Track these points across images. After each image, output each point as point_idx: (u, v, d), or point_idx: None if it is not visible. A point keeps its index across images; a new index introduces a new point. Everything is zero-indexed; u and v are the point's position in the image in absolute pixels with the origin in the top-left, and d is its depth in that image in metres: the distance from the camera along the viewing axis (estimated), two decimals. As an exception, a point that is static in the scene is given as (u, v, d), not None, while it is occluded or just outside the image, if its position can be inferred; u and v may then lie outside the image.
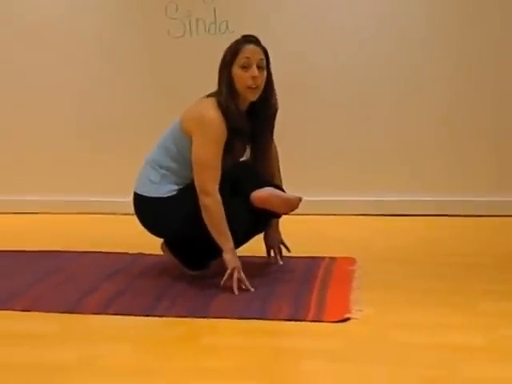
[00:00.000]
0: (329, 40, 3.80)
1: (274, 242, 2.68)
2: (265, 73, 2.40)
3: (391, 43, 3.76)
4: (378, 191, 3.82)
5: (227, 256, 2.31)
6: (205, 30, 3.87)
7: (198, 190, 2.32)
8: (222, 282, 2.31)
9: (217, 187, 2.32)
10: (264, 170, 2.56)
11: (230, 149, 2.38)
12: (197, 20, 3.88)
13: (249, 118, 2.45)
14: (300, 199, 2.39)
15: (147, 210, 2.48)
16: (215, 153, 2.33)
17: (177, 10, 3.90)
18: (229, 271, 2.29)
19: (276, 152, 2.67)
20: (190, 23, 3.89)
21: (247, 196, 2.38)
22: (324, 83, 3.84)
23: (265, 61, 2.40)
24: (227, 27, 3.82)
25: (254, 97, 2.39)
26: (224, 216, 2.30)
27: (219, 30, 3.84)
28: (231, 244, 2.32)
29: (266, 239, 2.69)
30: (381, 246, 3.07)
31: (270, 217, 2.50)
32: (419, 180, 3.81)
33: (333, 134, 3.86)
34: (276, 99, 2.48)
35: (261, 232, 2.62)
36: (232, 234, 2.34)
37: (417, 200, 3.78)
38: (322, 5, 3.78)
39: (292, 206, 2.39)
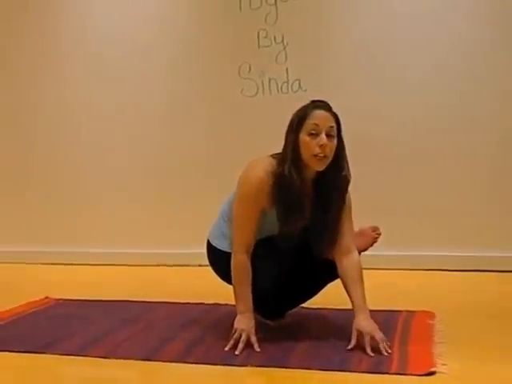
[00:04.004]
0: (404, 97, 3.86)
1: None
2: (335, 141, 2.20)
3: (461, 106, 3.79)
4: (453, 246, 3.76)
5: (237, 317, 2.28)
6: (277, 90, 3.98)
7: None
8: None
9: (241, 248, 2.26)
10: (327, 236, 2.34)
11: (282, 217, 2.25)
12: (269, 79, 4.00)
13: (315, 187, 2.29)
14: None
15: (220, 261, 2.46)
16: (244, 214, 2.26)
17: (250, 70, 4.03)
18: (233, 331, 2.26)
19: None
20: (262, 83, 4.01)
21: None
22: (395, 139, 3.87)
23: (335, 128, 2.21)
24: (300, 86, 3.91)
25: (320, 167, 2.20)
26: (243, 279, 2.26)
27: (292, 88, 3.94)
28: (243, 308, 2.27)
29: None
30: (459, 301, 3.00)
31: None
32: (495, 235, 3.73)
33: (409, 189, 3.86)
34: (349, 170, 2.28)
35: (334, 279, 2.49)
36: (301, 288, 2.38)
37: (493, 256, 3.69)
38: (396, 60, 3.86)
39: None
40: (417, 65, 3.83)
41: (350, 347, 2.17)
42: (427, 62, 3.81)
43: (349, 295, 2.28)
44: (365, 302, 2.25)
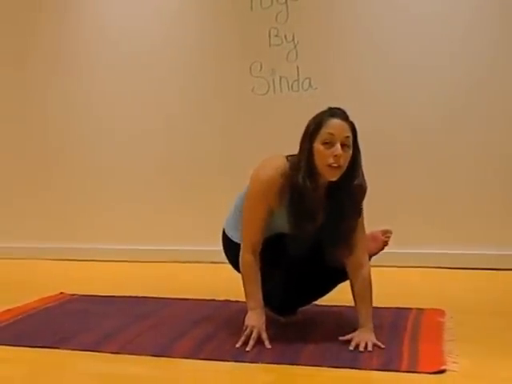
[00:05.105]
0: (414, 96, 3.86)
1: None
2: (350, 151, 2.16)
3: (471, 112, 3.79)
4: (462, 244, 3.77)
5: (247, 314, 2.30)
6: (288, 88, 3.99)
7: None
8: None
9: (248, 248, 2.28)
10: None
11: (293, 222, 2.24)
12: (280, 78, 4.01)
13: (329, 193, 2.26)
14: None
15: (233, 251, 2.46)
16: (252, 211, 2.27)
17: (261, 68, 4.05)
18: (244, 327, 2.27)
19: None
20: (273, 81, 4.03)
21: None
22: (404, 138, 3.89)
23: (351, 138, 2.16)
24: (310, 84, 3.93)
25: (333, 177, 2.16)
26: (251, 278, 2.28)
27: (302, 87, 3.95)
28: (253, 304, 2.28)
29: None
30: (469, 299, 3.01)
31: None
32: (506, 234, 3.73)
33: (419, 187, 3.86)
34: (364, 179, 2.25)
35: (344, 281, 2.51)
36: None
37: (503, 254, 3.70)
38: (407, 59, 3.87)
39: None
40: (427, 64, 3.83)
41: (341, 338, 2.23)
42: (438, 61, 3.81)
43: (355, 310, 2.30)
44: (369, 320, 2.26)
